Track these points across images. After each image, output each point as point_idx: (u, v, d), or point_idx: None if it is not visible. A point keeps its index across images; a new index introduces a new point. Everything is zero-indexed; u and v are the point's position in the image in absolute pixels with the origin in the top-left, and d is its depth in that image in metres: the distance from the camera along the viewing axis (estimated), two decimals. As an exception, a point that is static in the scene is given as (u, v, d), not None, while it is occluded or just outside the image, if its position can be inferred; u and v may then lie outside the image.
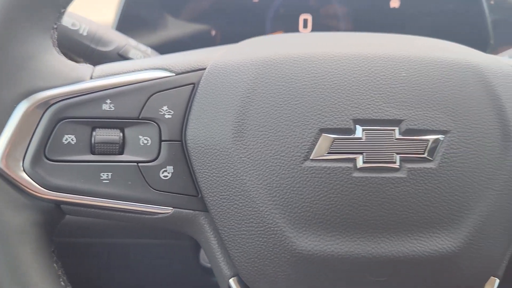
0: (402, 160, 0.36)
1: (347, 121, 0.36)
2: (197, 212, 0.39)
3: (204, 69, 0.39)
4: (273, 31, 0.77)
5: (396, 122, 0.36)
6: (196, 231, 0.40)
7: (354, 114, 0.36)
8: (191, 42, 0.77)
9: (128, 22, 0.74)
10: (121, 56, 0.57)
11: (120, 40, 0.58)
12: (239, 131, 0.37)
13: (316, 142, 0.36)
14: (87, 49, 0.56)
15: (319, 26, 0.77)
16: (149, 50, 0.59)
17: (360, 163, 0.36)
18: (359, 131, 0.36)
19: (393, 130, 0.36)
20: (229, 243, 0.37)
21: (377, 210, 0.36)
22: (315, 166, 0.36)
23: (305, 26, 0.76)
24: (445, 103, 0.37)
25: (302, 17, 0.76)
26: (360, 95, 0.37)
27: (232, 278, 0.39)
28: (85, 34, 0.55)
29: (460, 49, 0.42)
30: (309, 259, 0.36)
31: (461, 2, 0.77)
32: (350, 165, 0.36)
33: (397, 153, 0.36)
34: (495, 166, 0.37)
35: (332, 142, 0.36)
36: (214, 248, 0.39)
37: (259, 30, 0.76)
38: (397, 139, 0.36)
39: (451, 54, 0.40)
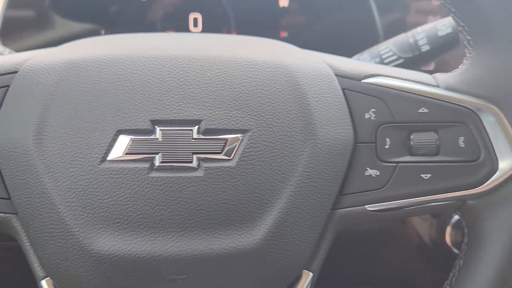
0: (201, 159, 0.37)
1: (145, 122, 0.36)
2: (9, 214, 0.39)
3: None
4: (163, 30, 0.77)
5: (194, 122, 0.37)
6: (12, 233, 0.40)
7: (152, 115, 0.37)
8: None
9: (12, 22, 0.73)
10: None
11: None
12: (39, 133, 0.37)
13: (114, 143, 0.36)
14: None
15: (209, 24, 0.77)
16: (7, 51, 0.58)
17: (157, 163, 0.36)
18: (157, 132, 0.36)
19: (191, 130, 0.37)
20: (37, 245, 0.37)
21: (175, 209, 0.36)
22: (112, 167, 0.36)
23: (195, 25, 0.76)
24: (247, 103, 0.38)
25: (191, 16, 0.76)
26: (160, 96, 0.37)
27: (45, 279, 0.39)
28: None
29: (279, 49, 0.43)
30: (109, 260, 0.36)
31: (349, 1, 0.79)
32: (147, 165, 0.36)
33: (194, 153, 0.37)
34: (294, 162, 0.38)
35: (130, 143, 0.36)
36: (27, 250, 0.39)
37: (149, 29, 0.76)
38: (194, 139, 0.37)
39: (264, 54, 0.40)
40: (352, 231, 0.88)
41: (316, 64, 0.41)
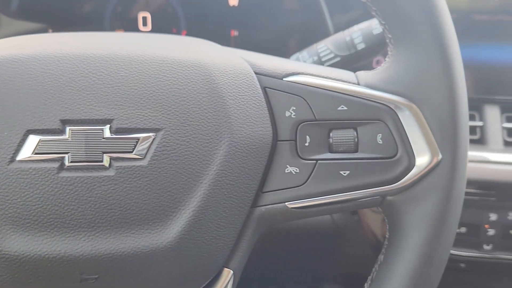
0: (112, 159, 0.37)
1: (55, 122, 0.36)
2: None
3: None
4: (112, 29, 0.76)
5: (106, 122, 0.37)
6: None
7: (62, 114, 0.36)
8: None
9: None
10: None
11: None
12: None
13: (23, 144, 0.36)
14: None
15: (159, 24, 0.77)
16: None
17: (67, 163, 0.36)
18: (66, 132, 0.36)
19: (101, 129, 0.36)
20: None
21: (86, 209, 0.36)
22: (21, 167, 0.36)
23: (144, 24, 0.76)
24: (161, 102, 0.38)
25: (141, 15, 0.76)
26: (71, 96, 0.37)
27: None
28: None
29: (198, 47, 0.43)
30: (19, 261, 0.36)
31: (300, 0, 0.79)
32: (57, 165, 0.36)
33: (105, 152, 0.36)
34: (208, 161, 0.38)
35: (39, 143, 0.36)
36: None
37: (97, 28, 0.76)
38: (105, 138, 0.36)
39: (181, 53, 0.40)
40: (312, 227, 0.89)
41: (235, 62, 0.41)
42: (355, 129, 0.42)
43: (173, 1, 0.76)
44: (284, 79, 0.42)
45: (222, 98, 0.39)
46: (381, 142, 0.41)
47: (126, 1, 0.75)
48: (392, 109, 0.41)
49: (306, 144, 0.41)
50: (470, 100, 0.82)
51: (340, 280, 0.99)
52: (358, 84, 0.42)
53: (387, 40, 0.43)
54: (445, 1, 0.42)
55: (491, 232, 0.79)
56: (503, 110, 0.81)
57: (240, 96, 0.40)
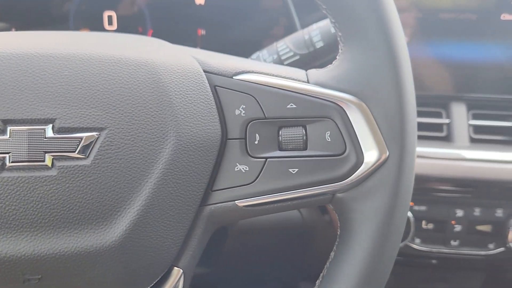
0: (54, 158, 0.36)
1: None
2: None
3: None
4: (77, 28, 0.76)
5: (48, 121, 0.36)
6: None
7: (4, 114, 0.36)
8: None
9: None
10: None
11: None
12: None
13: None
14: None
15: (125, 23, 0.76)
16: None
17: (8, 163, 0.36)
18: (7, 132, 0.36)
19: (43, 129, 0.36)
20: None
21: (28, 209, 0.36)
22: None
23: (110, 23, 0.76)
24: (105, 101, 0.37)
25: (106, 13, 0.75)
26: (13, 95, 0.36)
27: None
28: None
29: (146, 46, 0.43)
30: None
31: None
32: None
33: (47, 152, 0.36)
34: (154, 160, 0.38)
35: (-21, 144, 0.36)
36: None
37: (62, 28, 0.75)
38: (47, 138, 0.36)
39: (127, 51, 0.40)
40: (284, 227, 0.89)
41: (184, 61, 0.41)
42: (304, 127, 0.42)
43: (139, 0, 0.75)
44: (234, 77, 0.42)
45: (168, 97, 0.39)
46: (329, 140, 0.41)
47: (91, 0, 0.74)
48: (341, 107, 0.41)
49: (256, 142, 0.41)
50: (437, 97, 0.83)
51: (313, 279, 0.99)
52: (308, 82, 0.43)
53: (338, 38, 0.43)
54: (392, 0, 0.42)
55: (458, 228, 0.80)
56: (469, 108, 0.82)
57: (187, 95, 0.40)
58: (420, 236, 0.81)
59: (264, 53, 0.59)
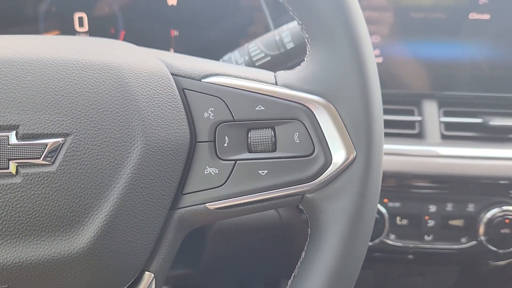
0: (19, 165, 0.36)
1: None
2: None
3: None
4: (47, 31, 0.74)
5: (11, 128, 0.36)
6: None
7: None
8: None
9: None
10: None
11: None
12: None
13: None
14: None
15: (96, 24, 0.75)
16: None
17: (-30, 171, 0.35)
18: None
19: (7, 136, 0.36)
20: None
21: None
22: None
23: (81, 24, 0.75)
24: (70, 106, 0.37)
25: (76, 15, 0.74)
26: None
27: None
28: None
29: (113, 49, 0.42)
30: None
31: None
32: None
33: (11, 159, 0.36)
34: (121, 165, 0.38)
35: None
36: None
37: (32, 30, 0.74)
38: (11, 144, 0.36)
39: (93, 55, 0.40)
40: (262, 228, 0.89)
41: (151, 64, 0.41)
42: (273, 129, 0.42)
43: (110, 1, 0.75)
44: (202, 80, 0.42)
45: (135, 101, 0.39)
46: (298, 141, 0.42)
47: (61, 1, 0.73)
48: (308, 108, 0.42)
49: (225, 144, 0.42)
50: (410, 95, 0.84)
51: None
52: (276, 84, 0.43)
53: (306, 40, 0.44)
54: (357, 0, 0.43)
55: (431, 223, 0.81)
56: (440, 105, 0.83)
57: (154, 98, 0.40)
58: (395, 232, 0.82)
59: (235, 54, 0.59)
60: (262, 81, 0.43)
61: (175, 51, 0.79)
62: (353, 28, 0.41)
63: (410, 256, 0.89)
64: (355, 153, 0.41)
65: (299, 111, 0.42)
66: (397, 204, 0.81)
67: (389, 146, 0.79)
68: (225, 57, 0.61)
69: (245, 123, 0.42)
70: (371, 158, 0.42)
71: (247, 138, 0.42)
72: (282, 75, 0.44)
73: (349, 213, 0.41)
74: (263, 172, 0.42)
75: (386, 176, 0.79)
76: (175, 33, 0.78)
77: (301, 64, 0.44)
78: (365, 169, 0.41)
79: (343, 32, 0.41)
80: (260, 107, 0.42)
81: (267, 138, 0.42)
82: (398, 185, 0.80)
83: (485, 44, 0.80)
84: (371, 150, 0.42)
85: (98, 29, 0.75)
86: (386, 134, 0.82)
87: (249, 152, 0.42)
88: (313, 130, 0.42)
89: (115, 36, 0.76)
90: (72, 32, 0.74)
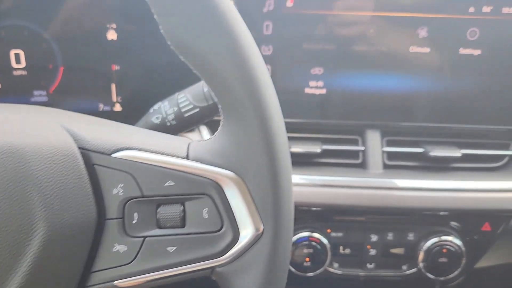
0: None
1: None
2: None
3: None
4: (-19, 68, 0.73)
5: None
6: None
7: None
8: None
9: None
10: None
11: None
12: None
13: None
14: None
15: (33, 61, 0.74)
16: None
17: None
18: None
19: None
20: None
21: None
22: None
23: (18, 61, 0.73)
24: None
25: (12, 52, 0.73)
26: None
27: None
28: None
29: (10, 125, 0.41)
30: None
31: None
32: None
33: None
34: (21, 251, 0.37)
35: None
36: None
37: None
38: None
39: None
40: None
41: (57, 141, 0.41)
42: (183, 204, 0.42)
43: (47, 36, 0.73)
44: (112, 155, 0.42)
45: (37, 185, 0.38)
46: (207, 217, 0.42)
47: (-4, 38, 0.72)
48: (218, 183, 0.42)
49: (134, 221, 0.42)
50: (354, 126, 0.85)
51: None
52: (188, 156, 0.43)
53: (219, 110, 0.44)
54: (265, 67, 0.42)
55: (373, 252, 0.83)
56: (383, 135, 0.85)
57: (59, 179, 0.40)
58: (338, 261, 0.84)
59: (165, 104, 0.59)
60: (173, 155, 0.43)
61: (116, 86, 0.78)
62: (261, 99, 0.40)
63: (353, 284, 0.91)
64: (262, 228, 0.42)
65: (208, 186, 0.42)
66: (339, 234, 0.83)
67: (331, 178, 0.80)
68: (155, 107, 0.61)
69: (155, 199, 0.42)
70: (278, 232, 0.42)
71: (156, 214, 0.42)
72: (195, 146, 0.44)
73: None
74: (171, 249, 0.42)
75: (329, 208, 0.80)
76: (116, 67, 0.77)
77: (215, 133, 0.44)
78: (272, 244, 0.42)
79: (250, 104, 0.40)
80: (170, 183, 0.42)
81: (176, 214, 0.42)
82: (340, 216, 0.82)
83: (425, 76, 0.81)
84: (279, 224, 0.42)
85: (36, 66, 0.74)
86: (330, 164, 0.84)
87: (159, 228, 0.42)
88: (221, 205, 0.42)
89: (53, 72, 0.75)
90: (9, 68, 0.73)
